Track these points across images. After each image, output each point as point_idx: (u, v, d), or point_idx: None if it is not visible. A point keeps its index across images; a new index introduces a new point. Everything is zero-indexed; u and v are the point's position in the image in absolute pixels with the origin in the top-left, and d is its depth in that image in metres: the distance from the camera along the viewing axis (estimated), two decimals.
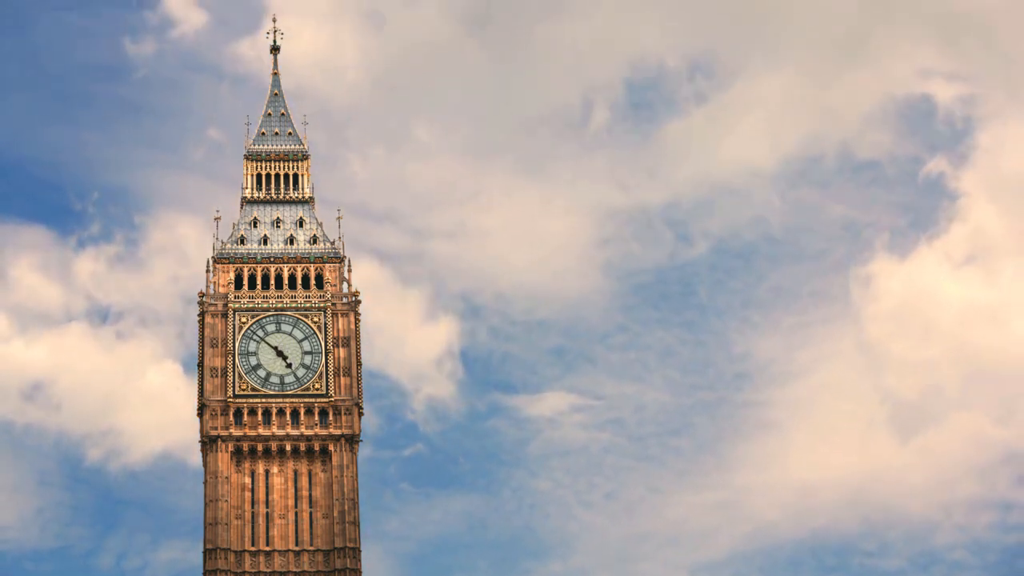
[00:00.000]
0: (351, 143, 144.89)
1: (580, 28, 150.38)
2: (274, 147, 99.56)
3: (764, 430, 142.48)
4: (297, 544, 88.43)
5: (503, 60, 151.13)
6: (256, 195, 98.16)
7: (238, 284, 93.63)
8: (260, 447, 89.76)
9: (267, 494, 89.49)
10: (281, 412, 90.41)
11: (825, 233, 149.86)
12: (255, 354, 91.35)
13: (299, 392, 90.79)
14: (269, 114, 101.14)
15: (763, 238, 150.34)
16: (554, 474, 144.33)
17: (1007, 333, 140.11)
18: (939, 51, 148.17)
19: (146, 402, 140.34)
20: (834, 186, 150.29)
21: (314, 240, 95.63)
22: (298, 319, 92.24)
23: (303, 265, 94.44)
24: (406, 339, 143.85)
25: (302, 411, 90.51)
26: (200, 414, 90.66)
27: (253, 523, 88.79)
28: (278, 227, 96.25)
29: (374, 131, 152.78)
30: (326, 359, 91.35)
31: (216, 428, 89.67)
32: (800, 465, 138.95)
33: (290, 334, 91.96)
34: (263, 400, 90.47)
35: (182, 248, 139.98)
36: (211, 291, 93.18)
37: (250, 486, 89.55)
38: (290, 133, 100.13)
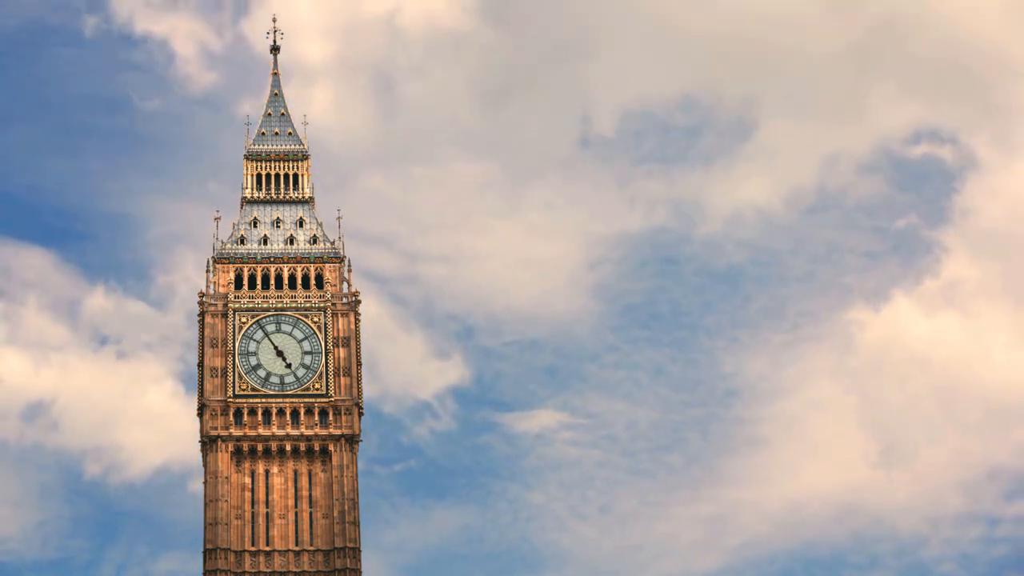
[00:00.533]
0: (348, 179, 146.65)
1: (585, 70, 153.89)
2: (274, 147, 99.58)
3: (754, 446, 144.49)
4: (297, 544, 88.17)
5: (503, 104, 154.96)
6: (256, 195, 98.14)
7: (238, 284, 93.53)
8: (260, 447, 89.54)
9: (267, 494, 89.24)
10: (281, 412, 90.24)
11: (811, 255, 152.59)
12: (255, 354, 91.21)
13: (299, 392, 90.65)
14: (269, 114, 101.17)
15: (750, 262, 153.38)
16: (548, 487, 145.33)
17: (990, 358, 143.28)
18: (931, 104, 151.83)
19: (145, 420, 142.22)
20: (822, 217, 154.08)
21: (314, 240, 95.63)
22: (298, 319, 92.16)
23: (303, 265, 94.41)
24: (403, 364, 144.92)
25: (302, 411, 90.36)
26: (200, 414, 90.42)
27: (253, 523, 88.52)
28: (278, 227, 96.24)
29: (373, 168, 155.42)
30: (326, 359, 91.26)
31: (216, 428, 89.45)
32: (789, 480, 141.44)
33: (290, 334, 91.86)
34: (263, 400, 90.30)
35: (186, 275, 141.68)
36: (211, 291, 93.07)
37: (250, 486, 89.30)
38: (290, 133, 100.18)
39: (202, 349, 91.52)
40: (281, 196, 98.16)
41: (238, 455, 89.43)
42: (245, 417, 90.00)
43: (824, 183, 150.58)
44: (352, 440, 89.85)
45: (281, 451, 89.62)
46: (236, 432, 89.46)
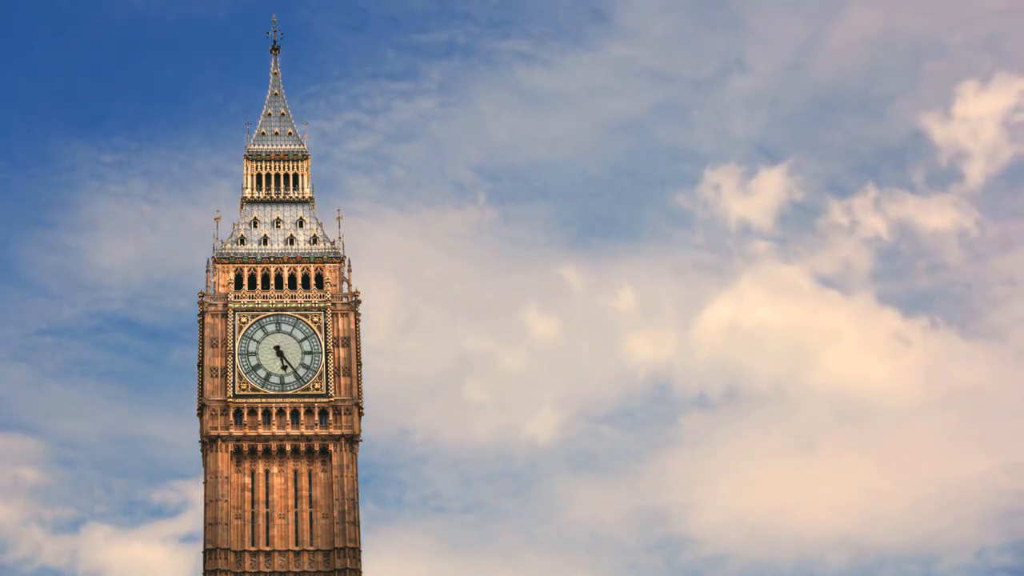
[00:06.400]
0: None
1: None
2: (274, 147, 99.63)
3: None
4: (297, 544, 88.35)
5: None
6: (256, 195, 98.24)
7: (238, 284, 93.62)
8: (260, 447, 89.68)
9: (267, 494, 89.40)
10: (281, 412, 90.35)
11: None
12: (255, 354, 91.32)
13: (299, 392, 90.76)
14: (269, 114, 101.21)
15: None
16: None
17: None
18: None
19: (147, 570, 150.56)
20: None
21: (314, 240, 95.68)
22: (298, 319, 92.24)
23: (303, 265, 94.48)
24: None
25: (302, 411, 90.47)
26: (200, 414, 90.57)
27: (253, 523, 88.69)
28: (278, 227, 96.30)
29: None
30: (326, 359, 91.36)
31: (216, 428, 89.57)
32: None
33: (290, 334, 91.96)
34: (263, 400, 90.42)
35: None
36: (211, 291, 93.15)
37: (250, 486, 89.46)
38: (290, 133, 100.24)
39: (202, 349, 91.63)
40: (281, 196, 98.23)
41: (238, 455, 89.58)
42: (245, 417, 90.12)
43: None
44: (352, 440, 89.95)
45: (281, 451, 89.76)
46: (236, 432, 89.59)
